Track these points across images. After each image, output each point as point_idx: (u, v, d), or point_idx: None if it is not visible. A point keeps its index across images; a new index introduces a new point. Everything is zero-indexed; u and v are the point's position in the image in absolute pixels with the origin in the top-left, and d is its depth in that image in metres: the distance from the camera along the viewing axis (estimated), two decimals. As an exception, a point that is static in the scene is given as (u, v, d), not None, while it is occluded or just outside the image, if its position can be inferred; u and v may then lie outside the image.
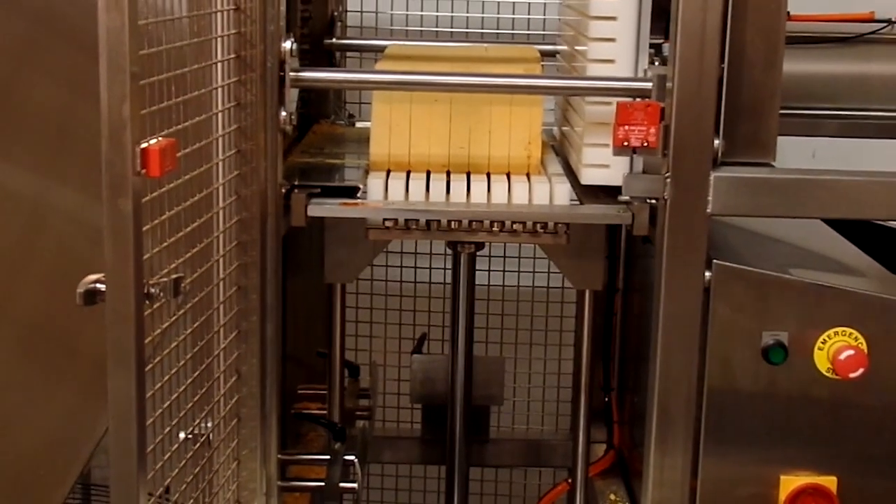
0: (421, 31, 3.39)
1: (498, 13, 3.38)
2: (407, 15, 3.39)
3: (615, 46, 2.39)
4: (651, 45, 2.45)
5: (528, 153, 2.48)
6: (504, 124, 2.47)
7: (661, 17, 2.90)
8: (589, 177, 2.44)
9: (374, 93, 2.51)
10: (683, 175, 2.23)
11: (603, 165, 2.43)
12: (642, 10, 2.37)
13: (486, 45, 3.18)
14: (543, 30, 3.31)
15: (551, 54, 3.03)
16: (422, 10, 3.38)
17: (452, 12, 3.39)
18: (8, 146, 2.30)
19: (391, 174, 2.45)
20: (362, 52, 3.34)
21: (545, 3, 3.29)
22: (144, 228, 1.75)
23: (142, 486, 1.75)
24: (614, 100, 2.36)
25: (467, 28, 3.39)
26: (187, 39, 1.99)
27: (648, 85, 2.25)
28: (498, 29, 3.37)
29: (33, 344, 2.36)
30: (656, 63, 2.50)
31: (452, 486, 2.98)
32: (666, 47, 2.33)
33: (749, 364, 2.29)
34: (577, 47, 2.60)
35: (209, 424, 2.16)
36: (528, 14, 3.37)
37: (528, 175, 2.48)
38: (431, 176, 2.45)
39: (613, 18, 2.38)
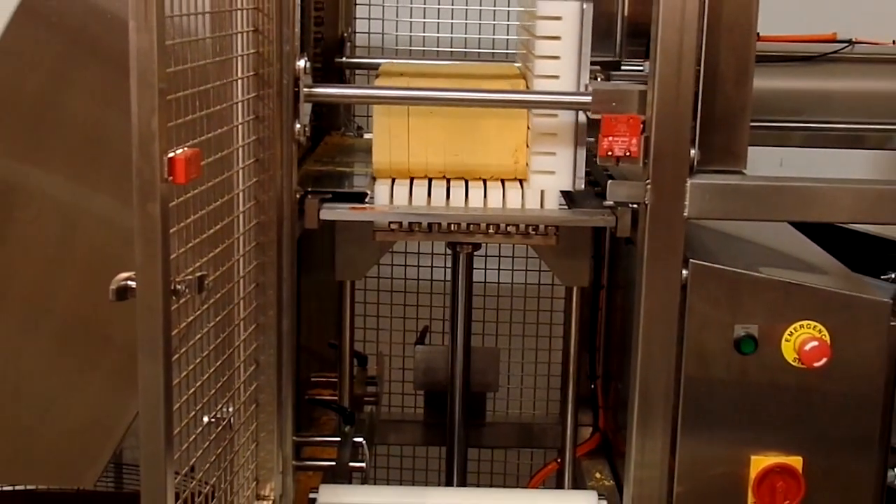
0: (423, 50, 3.39)
1: (493, 34, 3.37)
2: (410, 36, 3.39)
3: (559, 64, 2.38)
4: (595, 62, 2.44)
5: (514, 159, 2.48)
6: (492, 134, 2.47)
7: (641, 37, 2.90)
8: (536, 183, 2.43)
9: (375, 107, 2.51)
10: (662, 182, 2.23)
11: (549, 172, 2.42)
12: (584, 30, 2.36)
13: (473, 62, 3.19)
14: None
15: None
16: (424, 32, 3.38)
17: (452, 33, 3.39)
18: (47, 156, 2.30)
19: (396, 181, 2.45)
20: (369, 69, 3.34)
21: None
22: (171, 231, 1.75)
23: (169, 466, 1.75)
24: (559, 112, 2.36)
25: (465, 48, 3.39)
26: (210, 58, 1.99)
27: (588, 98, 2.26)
28: (493, 49, 3.36)
29: (70, 335, 2.36)
30: (598, 79, 2.50)
31: (452, 465, 2.97)
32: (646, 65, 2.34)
33: (723, 354, 2.28)
34: (527, 64, 2.60)
35: (230, 409, 2.16)
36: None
37: (521, 181, 2.47)
38: (433, 182, 2.46)
39: (558, 38, 2.37)
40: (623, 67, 2.95)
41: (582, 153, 2.41)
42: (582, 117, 2.38)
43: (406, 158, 2.47)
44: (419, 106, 2.44)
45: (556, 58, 2.38)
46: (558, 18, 2.36)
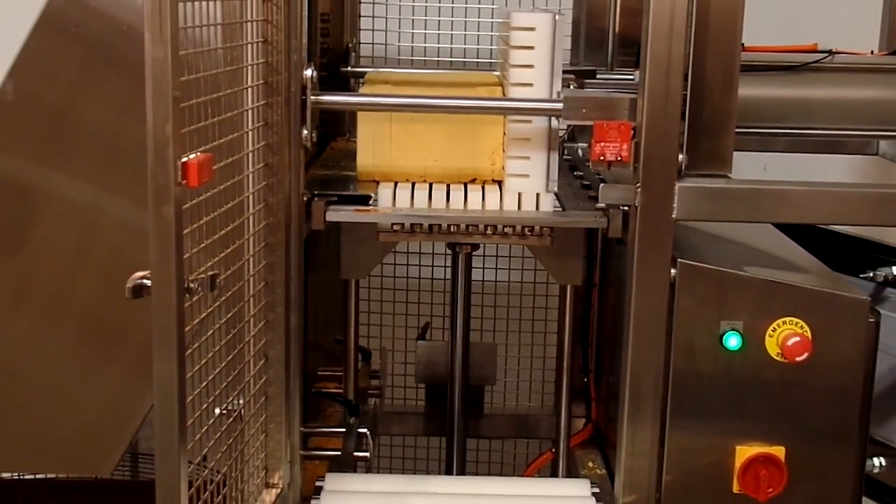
0: (424, 60, 3.39)
1: (491, 45, 3.38)
2: (412, 46, 3.39)
3: (533, 72, 2.37)
4: (568, 72, 2.44)
5: (491, 161, 2.48)
6: (469, 138, 2.47)
7: (631, 47, 2.91)
8: (511, 185, 2.43)
9: (360, 113, 2.50)
10: (652, 185, 2.23)
11: (523, 175, 2.42)
12: (556, 40, 2.36)
13: (456, 71, 3.19)
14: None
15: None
16: (425, 42, 3.38)
17: (452, 44, 3.39)
18: (67, 160, 2.31)
19: (398, 185, 2.45)
20: (373, 78, 3.34)
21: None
22: (185, 232, 1.75)
23: (182, 456, 1.76)
24: (533, 118, 2.36)
25: (464, 58, 3.39)
26: (222, 68, 1.99)
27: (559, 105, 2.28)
28: (491, 59, 3.37)
29: (89, 331, 2.36)
30: (571, 86, 2.49)
31: (452, 455, 2.98)
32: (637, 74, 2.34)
33: (709, 349, 2.29)
34: (504, 72, 2.60)
35: (241, 401, 2.16)
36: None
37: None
38: (433, 186, 2.46)
39: (531, 48, 2.37)
40: (599, 76, 2.96)
41: (555, 157, 2.41)
42: (555, 123, 2.38)
43: (389, 162, 2.48)
44: (403, 113, 2.45)
45: (530, 66, 2.38)
46: (532, 29, 2.36)
